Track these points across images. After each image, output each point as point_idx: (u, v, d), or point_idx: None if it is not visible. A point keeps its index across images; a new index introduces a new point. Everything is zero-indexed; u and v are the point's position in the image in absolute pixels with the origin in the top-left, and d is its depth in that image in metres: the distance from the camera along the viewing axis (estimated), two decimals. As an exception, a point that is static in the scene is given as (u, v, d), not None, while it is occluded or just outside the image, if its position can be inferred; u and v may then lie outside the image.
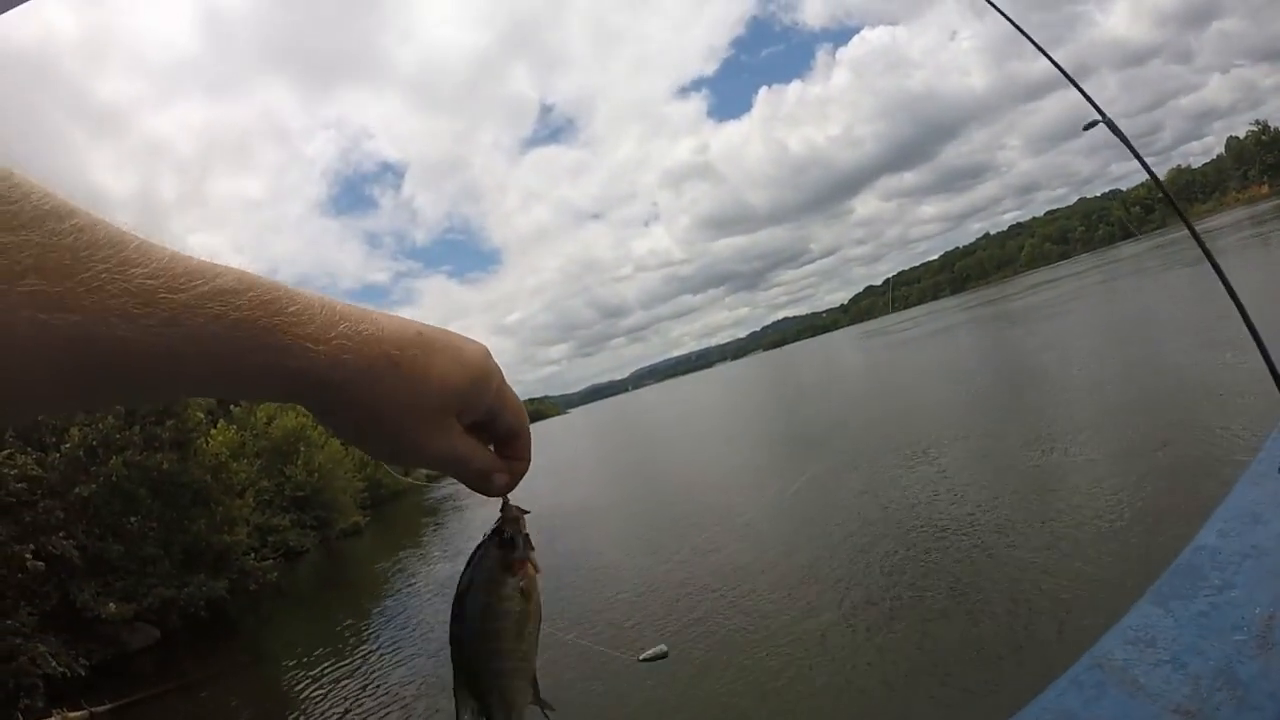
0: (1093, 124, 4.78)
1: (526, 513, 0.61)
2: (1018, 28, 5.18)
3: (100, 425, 17.11)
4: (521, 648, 0.59)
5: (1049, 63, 5.00)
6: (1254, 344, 3.82)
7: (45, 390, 0.38)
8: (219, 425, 27.33)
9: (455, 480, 0.58)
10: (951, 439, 14.28)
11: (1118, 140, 4.75)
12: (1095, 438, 11.28)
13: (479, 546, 0.60)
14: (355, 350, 0.47)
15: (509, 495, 0.60)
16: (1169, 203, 4.90)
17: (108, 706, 12.59)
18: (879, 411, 21.62)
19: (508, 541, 0.60)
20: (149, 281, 0.39)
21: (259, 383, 0.44)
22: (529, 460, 0.61)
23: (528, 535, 0.61)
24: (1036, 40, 4.92)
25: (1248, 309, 3.97)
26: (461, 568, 0.60)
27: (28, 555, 14.29)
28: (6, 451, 15.13)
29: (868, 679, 6.16)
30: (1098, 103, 4.79)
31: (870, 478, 13.00)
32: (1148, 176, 4.95)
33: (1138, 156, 4.87)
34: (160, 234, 0.42)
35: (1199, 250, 4.26)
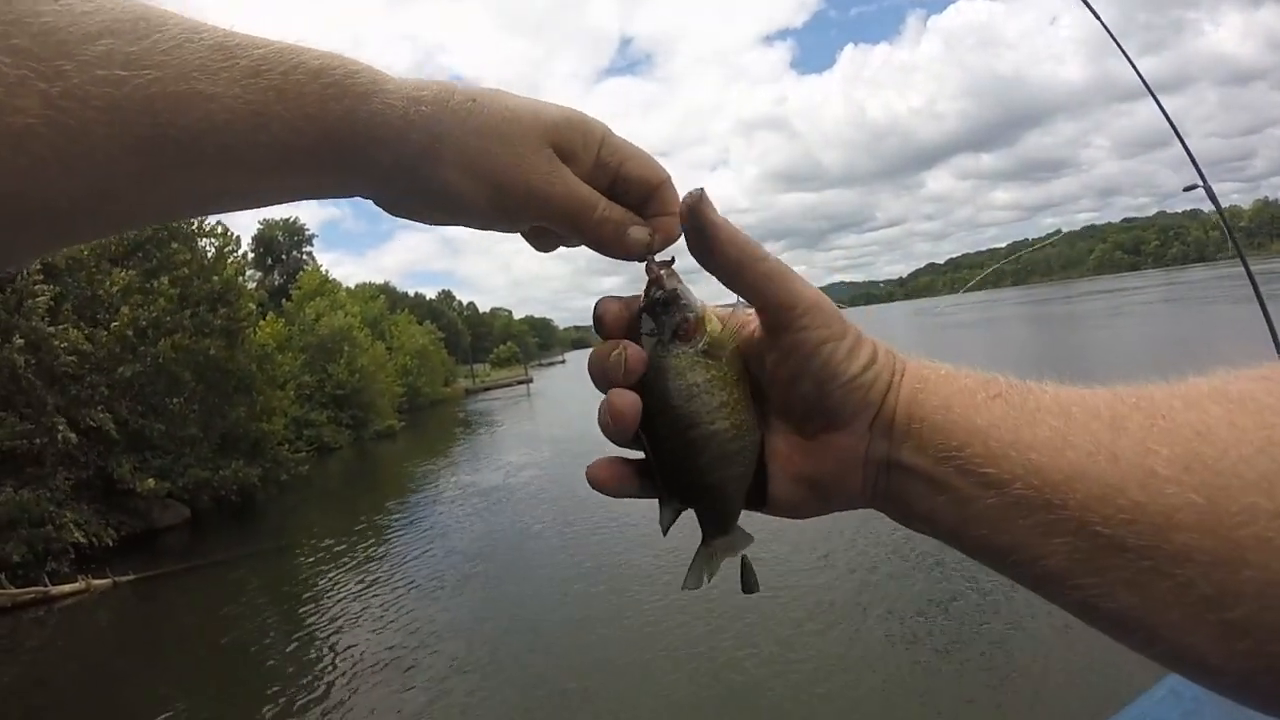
0: (1192, 187, 5.00)
1: (671, 261, 0.52)
2: (1134, 66, 5.01)
3: (152, 307, 17.38)
4: (727, 426, 0.48)
5: (1151, 65, 4.99)
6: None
7: (127, 169, 0.37)
8: (269, 317, 27.87)
9: (579, 245, 0.53)
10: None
11: (1215, 161, 4.83)
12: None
13: (634, 322, 0.51)
14: (432, 92, 0.45)
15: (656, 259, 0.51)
16: (1232, 241, 4.96)
17: (131, 577, 13.06)
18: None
19: (663, 304, 0.49)
20: (225, 39, 0.39)
21: (341, 142, 0.42)
22: (679, 216, 0.49)
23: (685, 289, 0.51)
24: (1145, 77, 4.89)
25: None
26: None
27: (60, 425, 14.66)
28: (61, 325, 15.44)
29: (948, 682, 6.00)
30: (1196, 157, 4.80)
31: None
32: (1236, 199, 5.09)
33: (1225, 224, 4.89)
34: None
35: (1266, 285, 4.31)
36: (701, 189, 0.46)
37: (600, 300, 0.51)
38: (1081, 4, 4.63)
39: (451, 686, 7.19)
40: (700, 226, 0.46)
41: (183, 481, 17.83)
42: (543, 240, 0.55)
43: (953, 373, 0.47)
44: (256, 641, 9.45)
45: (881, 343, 0.49)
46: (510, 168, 0.46)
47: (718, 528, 0.50)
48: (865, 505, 0.49)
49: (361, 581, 11.20)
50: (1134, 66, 5.04)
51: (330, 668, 8.06)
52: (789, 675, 6.44)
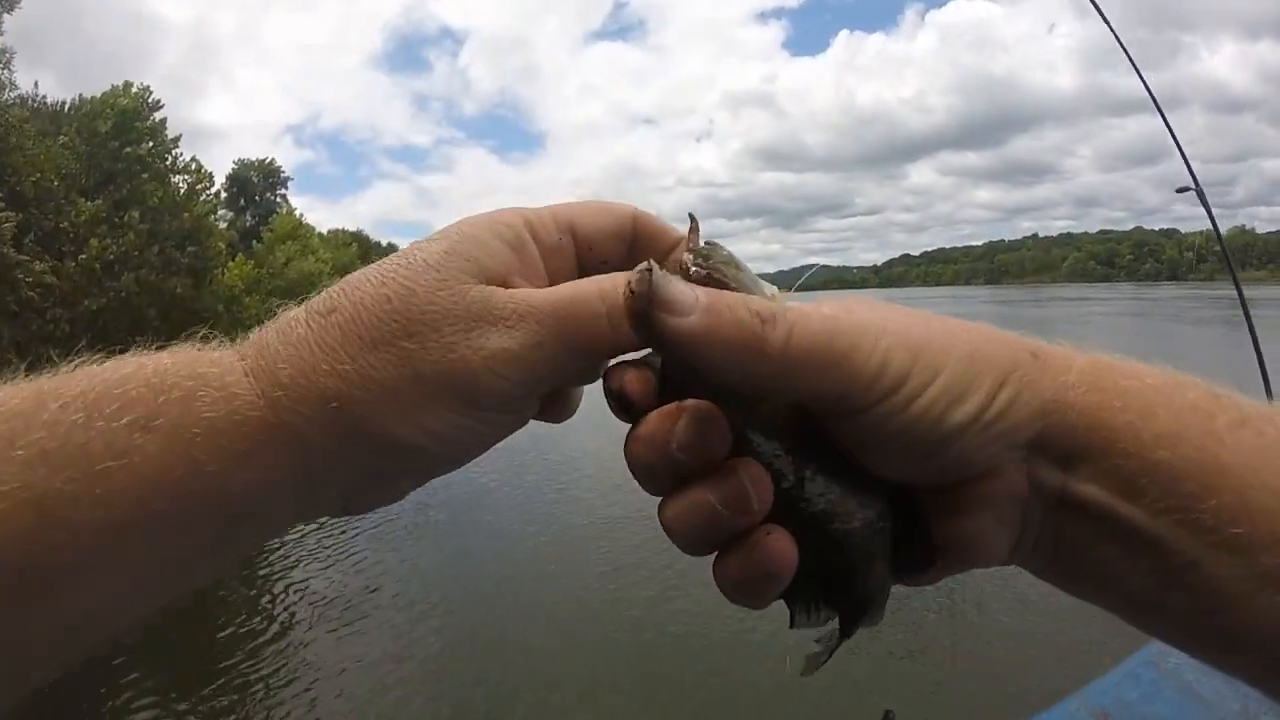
0: (1185, 189, 5.14)
1: (695, 227, 0.42)
2: (1139, 74, 5.24)
3: (121, 241, 17.03)
4: (862, 505, 0.39)
5: (1143, 86, 5.17)
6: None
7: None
8: (238, 258, 27.41)
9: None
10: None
11: (1193, 186, 5.05)
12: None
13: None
14: (287, 374, 0.38)
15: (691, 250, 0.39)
16: (1225, 261, 5.42)
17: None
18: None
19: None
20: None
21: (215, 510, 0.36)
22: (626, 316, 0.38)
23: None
24: (1148, 83, 5.07)
25: (1272, 384, 4.03)
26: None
27: (13, 361, 14.49)
28: (24, 257, 15.12)
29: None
30: (1188, 157, 5.11)
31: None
32: (1210, 225, 5.29)
33: (1214, 226, 5.17)
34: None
35: (1240, 312, 4.48)
36: (648, 268, 0.33)
37: (613, 370, 0.40)
38: (1090, 8, 4.90)
39: (403, 631, 7.30)
40: (662, 340, 0.34)
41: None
42: (560, 404, 0.47)
43: (1158, 377, 0.37)
44: (216, 590, 9.48)
45: (1007, 339, 0.38)
46: (444, 365, 0.38)
47: (868, 620, 0.43)
48: (1010, 563, 0.40)
49: (315, 524, 11.30)
50: (1139, 72, 5.28)
51: (279, 608, 8.14)
52: (744, 663, 6.57)
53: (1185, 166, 5.00)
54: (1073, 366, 0.37)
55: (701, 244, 0.40)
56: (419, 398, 0.38)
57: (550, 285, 0.42)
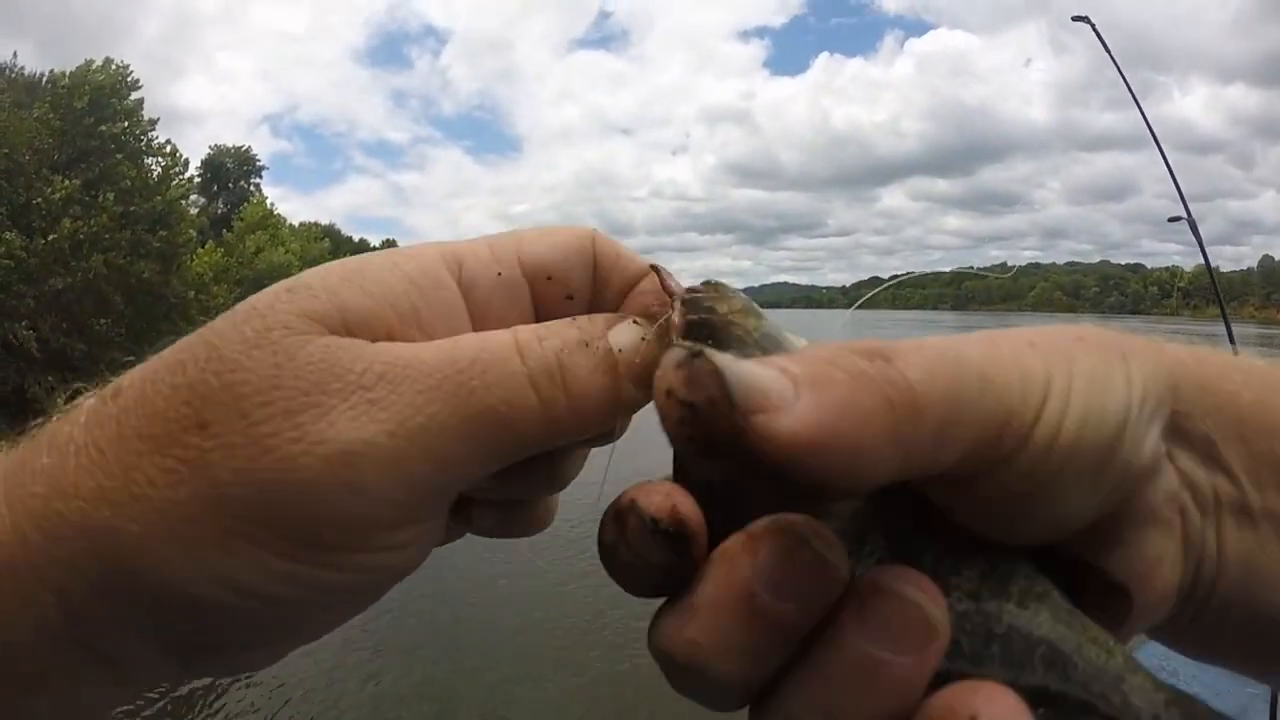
0: (1177, 219, 5.26)
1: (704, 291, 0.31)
2: (1139, 105, 5.38)
3: (93, 221, 16.63)
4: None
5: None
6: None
7: None
8: (208, 245, 26.99)
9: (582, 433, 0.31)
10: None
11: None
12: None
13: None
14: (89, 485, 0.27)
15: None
16: (1215, 292, 5.36)
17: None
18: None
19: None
20: None
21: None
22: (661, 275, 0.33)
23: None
24: (1130, 123, 5.30)
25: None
26: None
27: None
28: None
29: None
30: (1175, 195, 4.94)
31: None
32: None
33: (1205, 258, 5.32)
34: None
35: (1209, 345, 4.76)
36: (695, 352, 0.23)
37: (638, 497, 0.27)
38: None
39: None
40: (757, 459, 0.23)
41: (101, 406, 17.21)
42: (514, 513, 0.36)
43: (1242, 356, 0.33)
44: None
45: (1089, 327, 0.30)
46: (254, 474, 0.26)
47: None
48: (1187, 593, 0.30)
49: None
50: (1138, 104, 5.40)
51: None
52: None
53: (1179, 196, 5.08)
54: (1163, 343, 0.31)
55: (696, 284, 0.31)
56: (219, 533, 0.26)
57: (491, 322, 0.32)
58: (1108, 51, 5.13)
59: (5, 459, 0.29)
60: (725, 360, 0.23)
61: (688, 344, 0.25)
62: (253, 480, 0.26)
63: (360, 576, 0.29)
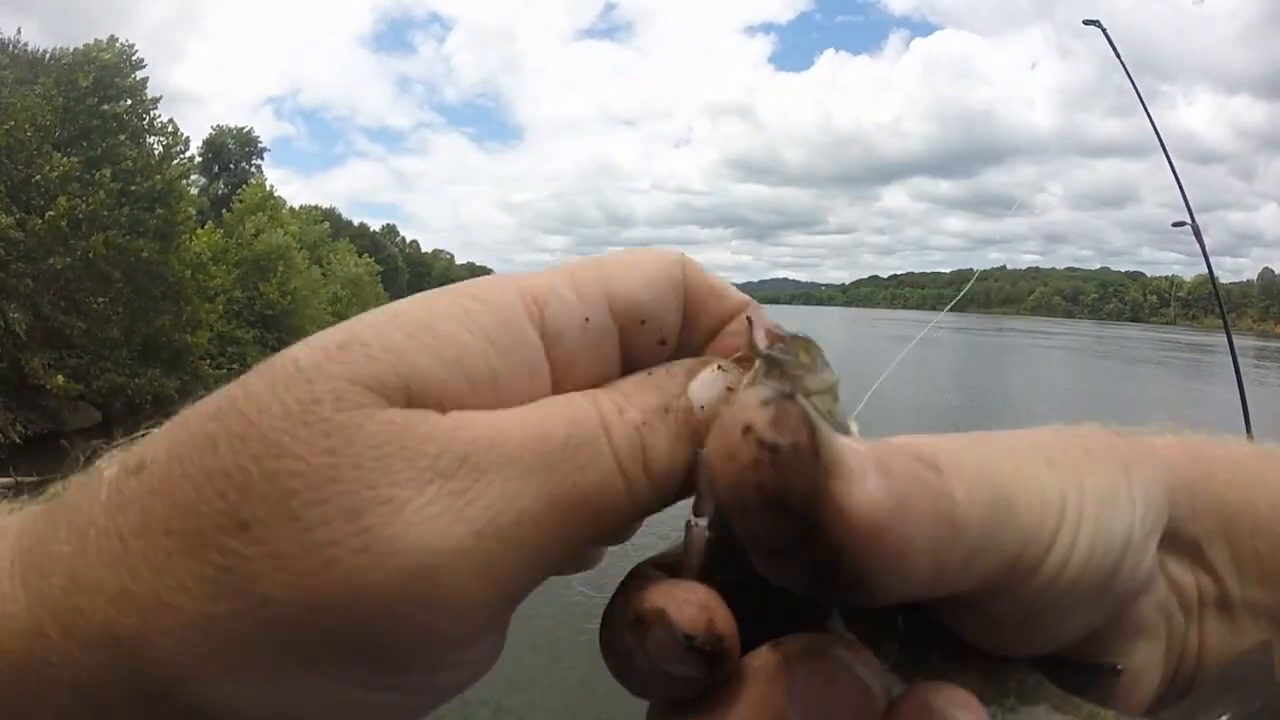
0: (1180, 224, 5.43)
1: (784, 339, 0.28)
2: (1147, 111, 5.66)
3: (91, 199, 16.62)
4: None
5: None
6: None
7: None
8: (207, 226, 26.96)
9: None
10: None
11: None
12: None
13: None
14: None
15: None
16: (1217, 301, 5.42)
17: (35, 479, 12.57)
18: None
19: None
20: None
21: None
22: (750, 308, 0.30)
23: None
24: (1131, 132, 5.51)
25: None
26: None
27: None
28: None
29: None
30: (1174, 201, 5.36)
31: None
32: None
33: (1208, 263, 5.43)
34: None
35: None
36: (787, 393, 0.22)
37: (669, 608, 0.24)
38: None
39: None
40: (815, 532, 0.21)
41: (98, 384, 17.18)
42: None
43: (1241, 444, 0.33)
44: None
45: (1081, 428, 0.30)
46: (310, 593, 0.22)
47: None
48: (1165, 697, 0.30)
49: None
50: (1142, 101, 5.56)
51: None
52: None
53: (1183, 201, 5.27)
54: (1156, 439, 0.31)
55: (783, 334, 0.28)
56: (268, 656, 0.22)
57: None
58: (1118, 56, 5.21)
59: (21, 531, 0.25)
60: (814, 410, 0.21)
61: (775, 383, 0.23)
62: (309, 599, 0.22)
63: (425, 698, 0.26)
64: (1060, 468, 0.26)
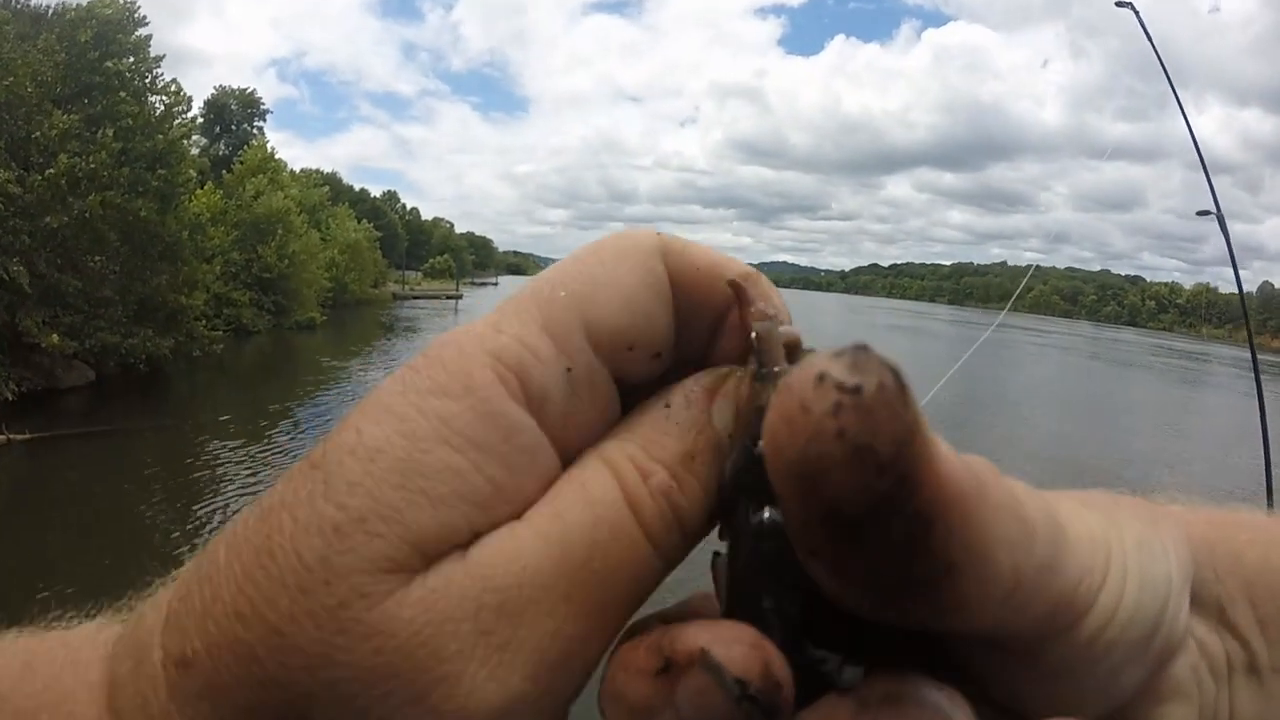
0: (1206, 213, 5.29)
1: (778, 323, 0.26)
2: (1180, 105, 5.64)
3: (92, 158, 16.54)
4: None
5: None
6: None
7: None
8: (207, 187, 26.84)
9: None
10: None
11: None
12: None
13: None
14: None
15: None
16: (1246, 322, 5.47)
17: (28, 436, 12.71)
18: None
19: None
20: None
21: None
22: (776, 308, 0.26)
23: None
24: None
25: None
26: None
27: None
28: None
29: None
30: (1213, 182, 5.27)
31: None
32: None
33: (1231, 254, 5.32)
34: None
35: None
36: (862, 346, 0.19)
37: (713, 649, 0.21)
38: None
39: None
40: (903, 506, 0.19)
41: (91, 343, 17.17)
42: None
43: (1254, 512, 0.31)
44: (148, 513, 9.52)
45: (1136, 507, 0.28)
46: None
47: None
48: None
49: (262, 463, 11.44)
50: (1172, 87, 5.45)
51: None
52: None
53: (1211, 194, 5.22)
54: (1169, 505, 0.30)
55: (761, 317, 0.25)
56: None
57: (563, 461, 0.25)
58: (1149, 38, 5.12)
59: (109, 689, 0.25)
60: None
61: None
62: None
63: None
64: (1098, 509, 0.26)
